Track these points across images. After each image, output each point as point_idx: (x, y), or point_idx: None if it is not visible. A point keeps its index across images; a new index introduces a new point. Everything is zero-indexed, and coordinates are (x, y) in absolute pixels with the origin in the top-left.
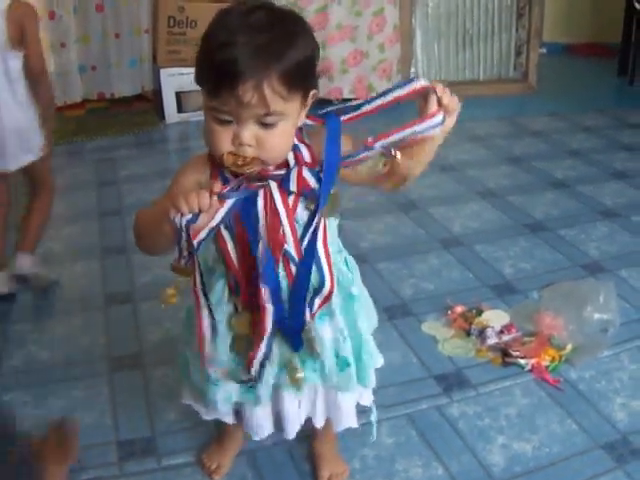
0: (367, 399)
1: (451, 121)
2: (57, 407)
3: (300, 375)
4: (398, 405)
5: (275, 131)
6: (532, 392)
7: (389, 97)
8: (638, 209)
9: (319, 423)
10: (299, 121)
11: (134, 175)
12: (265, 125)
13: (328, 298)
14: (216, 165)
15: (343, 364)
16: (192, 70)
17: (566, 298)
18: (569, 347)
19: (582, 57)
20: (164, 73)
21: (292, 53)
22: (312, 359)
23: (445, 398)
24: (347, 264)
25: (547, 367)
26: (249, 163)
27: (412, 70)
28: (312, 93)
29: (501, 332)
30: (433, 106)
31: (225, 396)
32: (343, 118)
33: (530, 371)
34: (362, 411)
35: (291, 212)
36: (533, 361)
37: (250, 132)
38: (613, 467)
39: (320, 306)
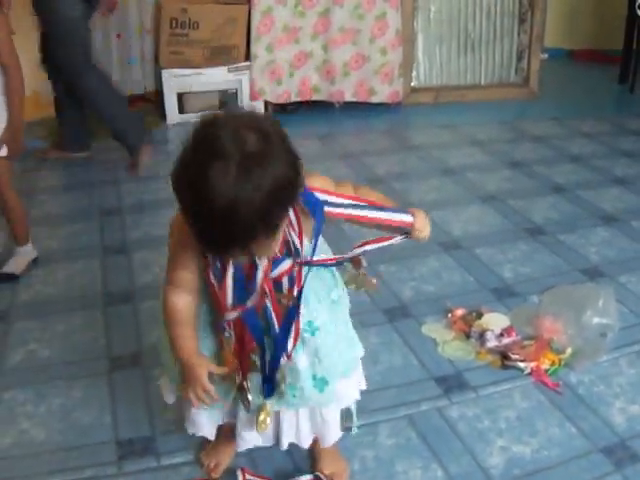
0: (352, 386)
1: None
2: (56, 405)
3: (261, 418)
4: (398, 406)
5: (262, 259)
6: (531, 395)
7: (378, 215)
8: (638, 215)
9: (306, 444)
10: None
11: (134, 175)
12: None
13: (296, 339)
14: None
15: (322, 384)
16: (194, 71)
17: (566, 302)
18: (568, 351)
19: (584, 63)
20: (166, 74)
21: (278, 203)
22: (291, 386)
23: (445, 400)
24: (333, 273)
25: (546, 371)
26: None
27: (414, 73)
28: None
29: (501, 335)
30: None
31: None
32: (329, 210)
33: (529, 374)
34: (360, 412)
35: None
36: (532, 364)
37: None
38: (611, 471)
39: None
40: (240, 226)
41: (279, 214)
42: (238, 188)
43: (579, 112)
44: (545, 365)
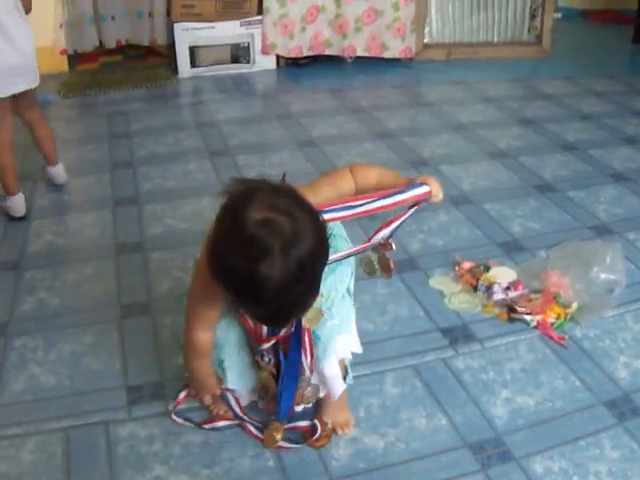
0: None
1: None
2: (67, 352)
3: (278, 437)
4: (404, 356)
5: None
6: (537, 348)
7: (394, 200)
8: None
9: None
10: None
11: (146, 128)
12: None
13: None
14: None
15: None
16: (206, 24)
17: (573, 258)
18: (575, 305)
19: (597, 23)
20: (178, 27)
21: (318, 271)
22: None
23: (451, 351)
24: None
25: (552, 324)
26: None
27: (426, 29)
28: None
29: (508, 289)
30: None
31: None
32: (343, 215)
33: (535, 328)
34: (366, 362)
35: None
36: (539, 318)
37: None
38: (614, 424)
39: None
40: (294, 301)
41: (320, 273)
42: (285, 271)
43: (591, 71)
44: (551, 319)
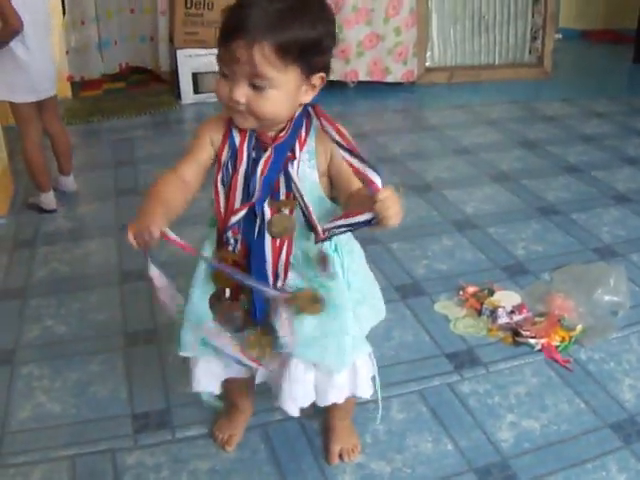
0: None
1: (388, 226)
2: (73, 380)
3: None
4: (410, 382)
5: (265, 95)
6: (542, 371)
7: (353, 162)
8: None
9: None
10: (302, 97)
11: (151, 155)
12: (255, 87)
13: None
14: (230, 123)
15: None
16: (209, 51)
17: (577, 280)
18: (579, 328)
19: (597, 43)
20: (181, 54)
21: (295, 29)
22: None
23: (456, 376)
24: (337, 250)
25: (557, 347)
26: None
27: (428, 53)
28: (319, 76)
29: (512, 312)
30: (366, 206)
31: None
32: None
33: (540, 351)
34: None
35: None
36: (543, 341)
37: (241, 90)
38: (620, 446)
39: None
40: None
41: (297, 35)
42: None
43: (592, 92)
44: (556, 342)
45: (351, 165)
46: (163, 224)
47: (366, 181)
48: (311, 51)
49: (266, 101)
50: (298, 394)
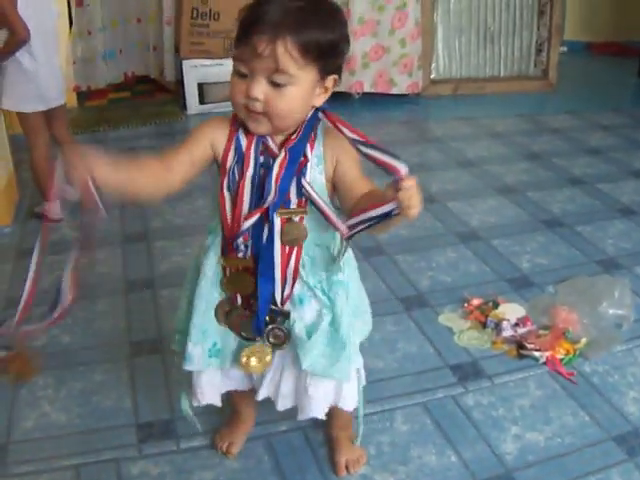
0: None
1: (409, 216)
2: (77, 390)
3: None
4: (414, 393)
5: (284, 92)
6: (546, 384)
7: (374, 153)
8: None
9: (282, 406)
10: (315, 99)
11: None
12: (275, 84)
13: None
14: (235, 127)
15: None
16: (215, 62)
17: (582, 293)
18: (583, 341)
19: (603, 56)
20: (187, 64)
21: (316, 30)
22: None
23: (460, 388)
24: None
25: (561, 360)
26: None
27: (433, 65)
28: (332, 77)
29: (517, 325)
30: (388, 195)
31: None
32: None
33: (544, 364)
34: (376, 400)
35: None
36: (548, 354)
37: (260, 87)
38: (624, 459)
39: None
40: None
41: (318, 36)
42: None
43: (597, 105)
44: (560, 354)
45: (372, 157)
46: (100, 175)
47: (390, 169)
48: (329, 52)
49: (284, 98)
50: (319, 399)
